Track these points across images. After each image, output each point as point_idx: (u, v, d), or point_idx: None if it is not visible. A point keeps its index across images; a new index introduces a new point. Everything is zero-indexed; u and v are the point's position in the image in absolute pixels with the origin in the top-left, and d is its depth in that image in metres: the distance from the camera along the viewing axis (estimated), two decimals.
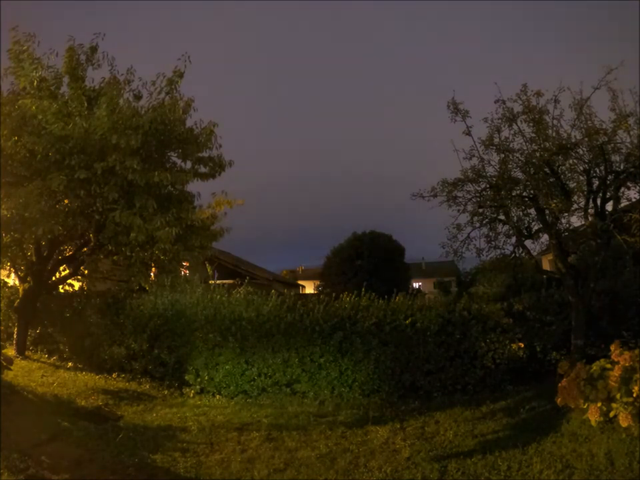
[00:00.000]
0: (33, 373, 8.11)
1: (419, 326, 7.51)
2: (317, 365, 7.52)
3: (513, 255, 7.77)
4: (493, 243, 7.67)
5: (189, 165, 8.66)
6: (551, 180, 6.83)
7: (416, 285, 38.55)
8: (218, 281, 10.72)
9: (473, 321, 7.57)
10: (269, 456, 5.08)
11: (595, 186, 6.92)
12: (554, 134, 6.90)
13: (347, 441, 5.51)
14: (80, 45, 8.17)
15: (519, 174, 7.11)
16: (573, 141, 6.78)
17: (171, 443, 5.39)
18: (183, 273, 10.72)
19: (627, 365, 4.79)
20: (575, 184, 6.92)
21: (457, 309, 7.72)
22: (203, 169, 8.78)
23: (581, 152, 6.83)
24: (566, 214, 6.94)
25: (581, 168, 6.88)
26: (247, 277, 10.30)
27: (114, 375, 8.44)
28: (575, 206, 6.91)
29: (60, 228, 7.90)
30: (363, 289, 8.34)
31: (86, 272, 9.92)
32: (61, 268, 9.83)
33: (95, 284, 10.42)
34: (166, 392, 7.76)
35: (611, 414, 4.74)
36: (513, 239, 7.66)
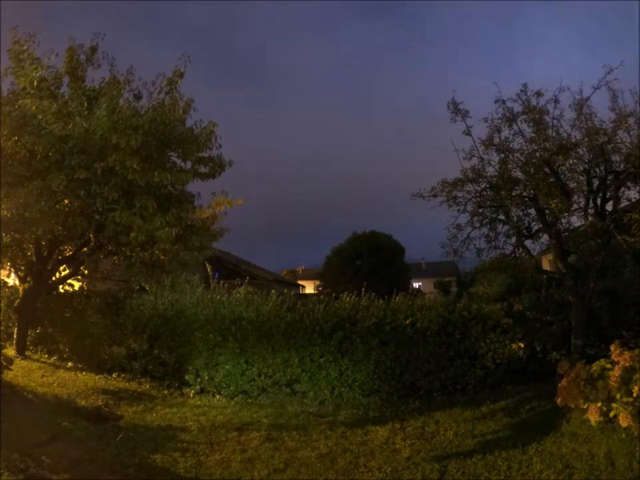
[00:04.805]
0: (33, 372, 8.10)
1: (418, 326, 7.51)
2: (317, 365, 7.52)
3: (513, 255, 7.76)
4: (493, 243, 7.67)
5: (189, 165, 8.64)
6: (551, 180, 6.83)
7: (416, 284, 38.50)
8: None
9: (472, 320, 7.57)
10: (269, 456, 5.08)
11: (595, 186, 6.93)
12: (554, 134, 6.91)
13: (346, 441, 5.51)
14: (80, 45, 8.17)
15: (519, 174, 7.11)
16: (573, 141, 6.78)
17: (171, 443, 5.39)
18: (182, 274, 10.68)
19: (627, 364, 4.79)
20: (575, 184, 6.93)
21: (456, 309, 7.72)
22: (203, 169, 8.76)
23: (581, 152, 6.83)
24: (566, 214, 6.94)
25: (581, 168, 6.88)
26: (247, 277, 10.29)
27: (114, 375, 8.43)
28: (575, 206, 6.92)
29: (60, 228, 7.90)
30: (363, 289, 8.34)
31: (86, 272, 9.90)
32: (61, 268, 9.81)
33: (95, 284, 10.41)
34: (166, 392, 7.76)
35: (611, 414, 4.74)
36: (513, 239, 7.66)
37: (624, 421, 4.54)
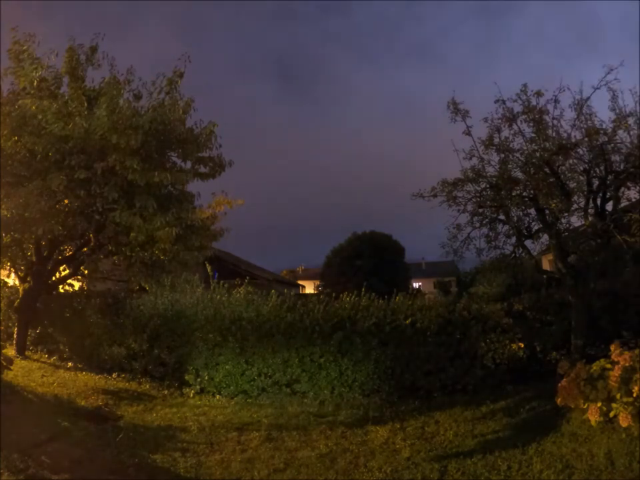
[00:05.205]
0: (33, 372, 8.10)
1: (418, 326, 7.50)
2: (317, 365, 7.51)
3: (513, 254, 7.77)
4: (493, 243, 7.67)
5: (189, 164, 8.65)
6: (551, 180, 6.83)
7: (416, 284, 38.49)
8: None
9: (472, 320, 7.56)
10: (269, 456, 5.08)
11: (595, 186, 6.92)
12: (554, 134, 6.90)
13: (346, 441, 5.51)
14: (80, 45, 8.15)
15: (519, 174, 7.10)
16: (573, 141, 6.78)
17: (171, 443, 5.39)
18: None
19: (627, 364, 4.79)
20: (575, 184, 6.92)
21: (456, 309, 7.72)
22: (203, 169, 8.77)
23: (581, 152, 6.83)
24: (566, 214, 6.94)
25: (581, 168, 6.88)
26: (247, 277, 10.28)
27: (114, 375, 8.42)
28: (575, 206, 6.92)
29: (60, 228, 7.90)
30: (363, 289, 8.34)
31: (86, 272, 9.90)
32: (61, 268, 9.82)
33: (95, 284, 10.41)
34: (166, 392, 7.76)
35: (611, 414, 4.74)
36: (513, 239, 7.66)
37: (624, 421, 4.54)
